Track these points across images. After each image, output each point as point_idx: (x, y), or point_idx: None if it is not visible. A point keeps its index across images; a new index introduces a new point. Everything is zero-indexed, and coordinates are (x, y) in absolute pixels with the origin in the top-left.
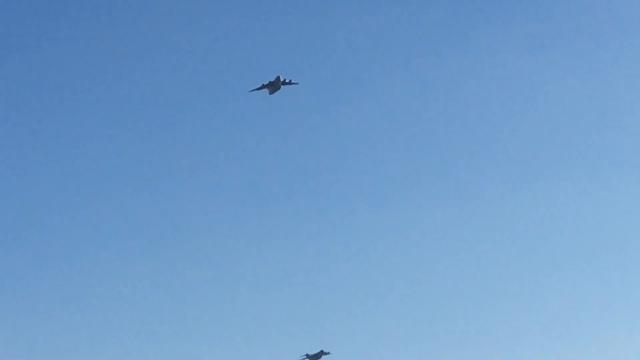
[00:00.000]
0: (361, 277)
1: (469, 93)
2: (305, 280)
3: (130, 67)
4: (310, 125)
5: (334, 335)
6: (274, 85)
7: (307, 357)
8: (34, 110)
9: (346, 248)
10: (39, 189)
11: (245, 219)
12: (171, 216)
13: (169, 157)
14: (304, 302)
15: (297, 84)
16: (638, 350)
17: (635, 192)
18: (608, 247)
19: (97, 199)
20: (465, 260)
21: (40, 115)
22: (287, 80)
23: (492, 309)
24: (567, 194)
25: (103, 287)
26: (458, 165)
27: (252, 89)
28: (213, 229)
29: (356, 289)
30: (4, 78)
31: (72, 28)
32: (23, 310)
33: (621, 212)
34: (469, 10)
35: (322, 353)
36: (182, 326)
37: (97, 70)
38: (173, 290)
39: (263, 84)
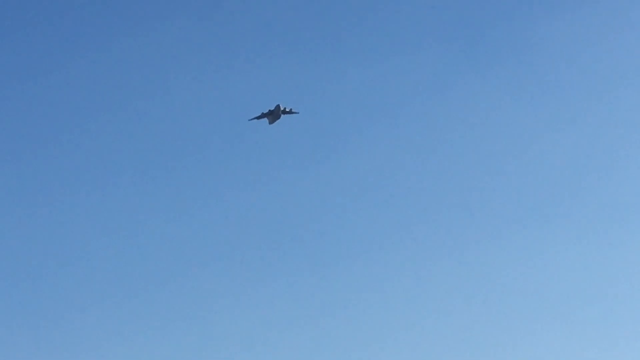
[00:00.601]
0: (357, 325)
1: (465, 140)
2: (303, 328)
3: (124, 92)
4: (310, 161)
5: None
6: (273, 114)
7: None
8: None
9: (344, 292)
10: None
11: (238, 256)
12: (163, 254)
13: (160, 193)
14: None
15: (298, 113)
16: None
17: (633, 242)
18: (607, 298)
19: (87, 245)
20: (463, 311)
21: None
22: (287, 109)
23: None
24: (559, 245)
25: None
26: (450, 213)
27: (251, 117)
28: (207, 270)
29: (354, 337)
30: None
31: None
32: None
33: (618, 262)
34: (462, 58)
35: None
36: None
37: (92, 95)
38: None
39: (263, 113)
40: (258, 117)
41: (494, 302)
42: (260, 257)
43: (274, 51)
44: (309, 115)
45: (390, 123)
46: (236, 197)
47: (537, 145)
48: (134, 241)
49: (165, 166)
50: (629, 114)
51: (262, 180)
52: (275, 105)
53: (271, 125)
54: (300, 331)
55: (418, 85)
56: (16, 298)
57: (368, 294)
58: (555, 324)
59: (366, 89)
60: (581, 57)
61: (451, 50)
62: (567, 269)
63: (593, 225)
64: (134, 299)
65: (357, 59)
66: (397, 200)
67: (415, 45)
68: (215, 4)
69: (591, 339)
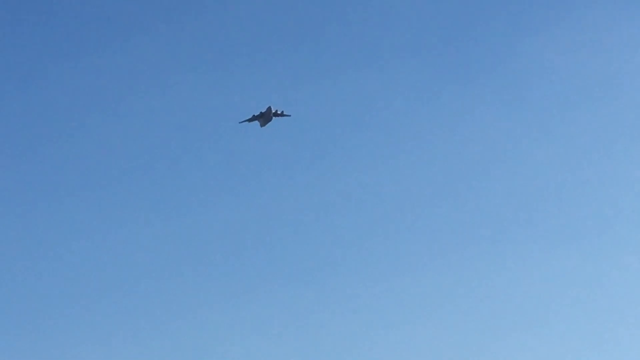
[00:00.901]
0: (354, 327)
1: (455, 145)
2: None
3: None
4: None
5: None
6: (264, 117)
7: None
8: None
9: (338, 298)
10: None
11: (229, 258)
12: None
13: (151, 195)
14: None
15: (290, 115)
16: None
17: (629, 250)
18: (602, 299)
19: (87, 247)
20: (459, 313)
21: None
22: (278, 112)
23: None
24: (552, 248)
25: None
26: (441, 217)
27: (242, 120)
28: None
29: (351, 337)
30: None
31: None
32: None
33: (611, 264)
34: (453, 65)
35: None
36: None
37: (86, 96)
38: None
39: (254, 115)
40: (249, 120)
41: (490, 304)
42: (251, 259)
43: (265, 54)
44: (300, 117)
45: (381, 127)
46: (226, 199)
47: (528, 151)
48: (126, 241)
49: (155, 168)
50: (614, 120)
51: (253, 183)
52: (266, 107)
53: (262, 127)
54: (296, 333)
55: (409, 90)
56: (15, 298)
57: (362, 296)
58: (551, 325)
59: (357, 92)
60: (566, 66)
61: (441, 57)
62: (559, 272)
63: (584, 229)
64: (131, 299)
65: (348, 63)
66: (388, 202)
67: (406, 52)
68: (208, 6)
69: (588, 339)
